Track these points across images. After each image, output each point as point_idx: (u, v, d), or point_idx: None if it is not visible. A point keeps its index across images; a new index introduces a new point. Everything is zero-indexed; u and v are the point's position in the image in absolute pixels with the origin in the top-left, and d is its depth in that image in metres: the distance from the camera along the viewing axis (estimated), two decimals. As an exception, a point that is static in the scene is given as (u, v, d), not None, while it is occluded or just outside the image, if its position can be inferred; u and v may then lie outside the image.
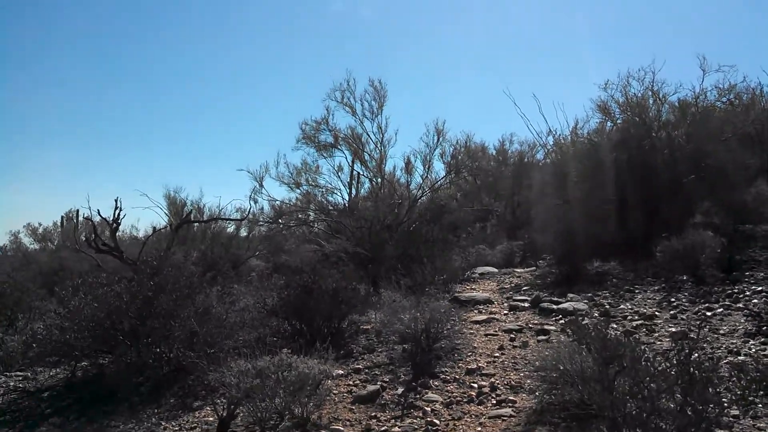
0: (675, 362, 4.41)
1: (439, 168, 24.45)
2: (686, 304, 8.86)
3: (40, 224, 27.98)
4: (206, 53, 58.63)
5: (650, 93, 14.70)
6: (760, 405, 5.11)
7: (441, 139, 20.64)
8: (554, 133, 18.18)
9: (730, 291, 9.00)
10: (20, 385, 8.43)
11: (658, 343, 7.34)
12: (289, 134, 43.08)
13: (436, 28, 52.52)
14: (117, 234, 14.08)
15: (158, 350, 7.65)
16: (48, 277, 16.84)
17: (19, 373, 8.90)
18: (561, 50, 47.23)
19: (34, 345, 8.16)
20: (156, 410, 6.87)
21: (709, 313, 8.21)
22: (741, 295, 8.73)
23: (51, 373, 8.72)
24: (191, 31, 57.86)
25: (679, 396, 4.24)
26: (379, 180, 21.19)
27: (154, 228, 19.51)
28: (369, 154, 20.82)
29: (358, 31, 55.34)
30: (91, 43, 55.91)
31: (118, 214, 13.57)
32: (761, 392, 4.40)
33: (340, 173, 20.69)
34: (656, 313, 8.63)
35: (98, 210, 13.73)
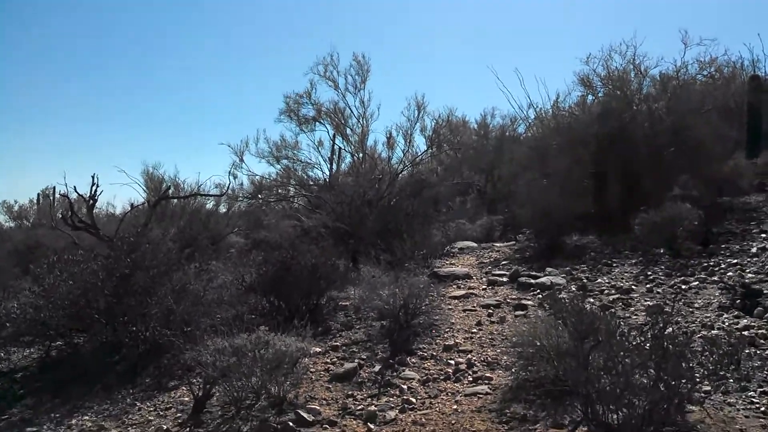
0: (649, 337, 4.43)
1: (420, 142, 24.38)
2: (662, 277, 8.90)
3: (15, 201, 27.53)
4: (186, 27, 57.72)
5: (632, 66, 14.68)
6: (732, 380, 5.16)
7: (422, 113, 20.55)
8: (535, 106, 18.16)
9: (706, 264, 9.04)
10: (-7, 365, 8.35)
11: (634, 317, 7.37)
12: (271, 109, 42.62)
13: (419, 2, 51.97)
14: (94, 211, 13.94)
15: (134, 329, 7.58)
16: (23, 255, 16.57)
17: (-9, 353, 8.79)
18: (543, 24, 46.99)
19: (7, 324, 8.06)
20: (131, 390, 6.83)
21: (684, 287, 8.25)
22: (716, 268, 8.77)
23: (24, 353, 8.62)
24: (171, 5, 56.86)
25: (652, 371, 4.26)
26: (361, 155, 21.09)
27: (132, 204, 19.31)
28: (351, 129, 20.72)
29: (343, 4, 54.65)
30: (67, 19, 54.77)
31: (95, 191, 13.43)
32: (732, 367, 4.42)
33: (320, 148, 20.58)
34: (633, 286, 8.67)
35: (75, 187, 13.59)
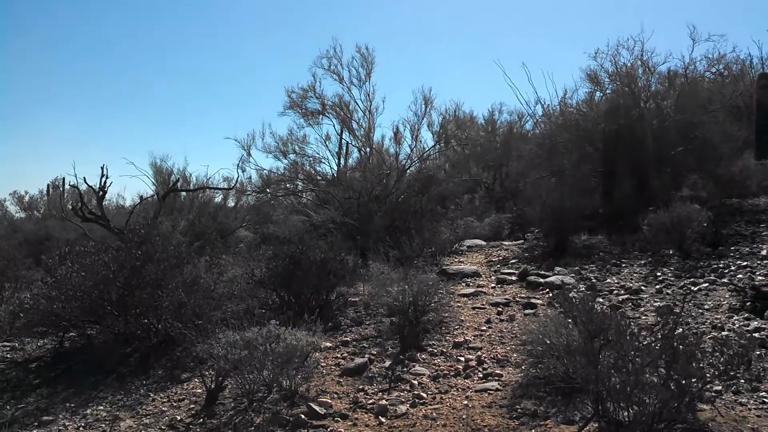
0: (659, 336, 4.46)
1: (427, 137, 24.38)
2: (672, 278, 8.93)
3: (26, 192, 27.68)
4: (193, 20, 57.77)
5: (639, 63, 14.65)
6: (743, 380, 5.20)
7: (429, 107, 20.57)
8: (543, 102, 18.13)
9: (715, 265, 9.06)
10: (8, 355, 8.43)
11: (644, 317, 7.41)
12: (276, 102, 42.59)
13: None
14: (103, 203, 14.01)
15: (146, 321, 7.65)
16: (34, 245, 16.72)
17: (6, 343, 8.87)
18: (551, 18, 46.85)
19: (21, 315, 8.13)
20: (144, 381, 6.89)
21: (694, 288, 8.28)
22: (726, 270, 8.79)
23: (39, 344, 8.72)
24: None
25: (662, 370, 4.29)
26: (368, 149, 21.09)
27: (141, 197, 19.47)
28: (357, 123, 20.71)
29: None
30: (75, 10, 54.92)
31: (105, 182, 13.53)
32: (743, 367, 4.46)
33: (327, 142, 20.58)
34: (642, 287, 8.70)
35: (84, 178, 13.69)
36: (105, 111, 52.15)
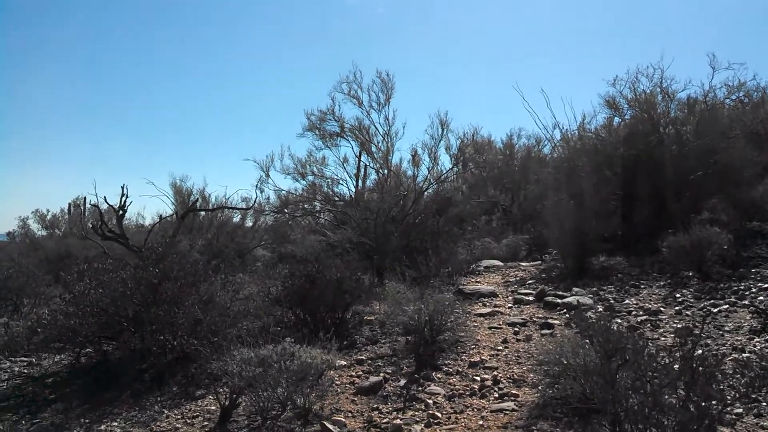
0: (678, 357, 4.39)
1: (445, 160, 24.40)
2: (691, 300, 8.82)
3: (48, 210, 28.07)
4: (214, 43, 58.62)
5: (659, 89, 14.59)
6: (764, 403, 5.09)
7: (445, 130, 20.53)
8: (561, 127, 18.10)
9: (735, 287, 8.94)
10: (24, 370, 8.48)
11: (663, 338, 7.31)
12: (295, 124, 43.13)
13: (445, 22, 52.35)
14: (123, 221, 14.14)
15: (162, 337, 7.66)
16: (54, 263, 16.90)
17: (23, 358, 8.94)
18: (570, 46, 47.09)
19: (39, 330, 8.19)
20: (159, 398, 6.90)
21: (714, 310, 8.16)
22: (747, 292, 8.67)
23: (55, 359, 8.76)
24: (199, 22, 57.85)
25: (681, 391, 4.22)
26: (386, 171, 21.14)
27: (161, 216, 19.62)
28: (376, 146, 20.75)
29: (368, 24, 55.28)
30: (97, 33, 55.93)
31: (125, 201, 13.67)
32: (765, 390, 4.37)
33: (345, 164, 20.64)
34: (661, 308, 8.60)
35: (105, 197, 13.84)
36: (126, 132, 52.99)
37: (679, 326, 7.67)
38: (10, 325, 9.69)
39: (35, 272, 12.92)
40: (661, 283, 9.93)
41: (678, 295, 9.08)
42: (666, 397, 4.26)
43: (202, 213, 21.24)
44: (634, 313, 8.57)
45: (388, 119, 20.18)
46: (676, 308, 8.52)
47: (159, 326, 7.69)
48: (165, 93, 57.05)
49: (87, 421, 6.42)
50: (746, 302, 8.29)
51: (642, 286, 9.91)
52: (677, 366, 4.35)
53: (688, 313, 8.27)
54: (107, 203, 13.85)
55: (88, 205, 17.09)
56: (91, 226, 15.09)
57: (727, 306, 8.23)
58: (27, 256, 16.42)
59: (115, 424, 6.27)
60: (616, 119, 16.03)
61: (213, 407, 6.39)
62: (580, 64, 44.07)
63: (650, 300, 9.14)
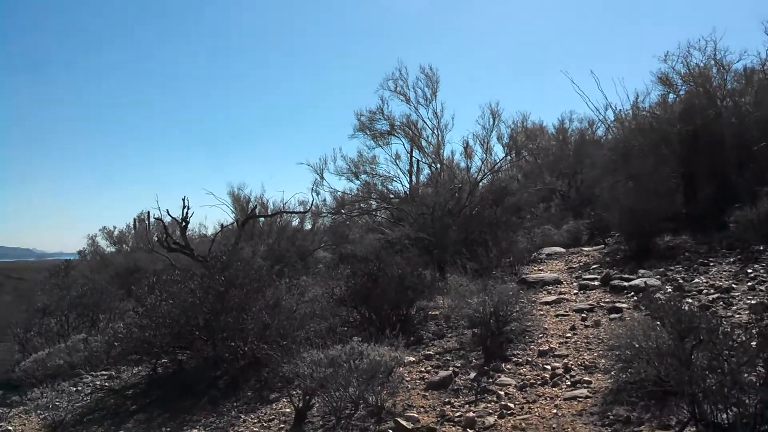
0: (755, 334, 4.27)
1: (498, 150, 24.15)
2: (764, 274, 8.51)
3: (114, 227, 28.92)
4: (264, 53, 59.51)
5: (713, 62, 14.11)
6: None
7: (497, 120, 20.34)
8: (614, 108, 17.68)
9: (811, 258, 8.61)
10: (106, 383, 8.81)
11: (737, 316, 7.09)
12: (346, 126, 43.43)
13: (486, 11, 51.84)
14: (186, 233, 14.50)
15: (233, 344, 7.85)
16: (124, 278, 17.48)
17: (104, 372, 9.29)
18: (618, 24, 46.05)
19: (116, 344, 8.51)
20: (235, 403, 7.07)
21: (789, 283, 7.88)
22: (822, 262, 8.34)
23: (134, 371, 9.07)
24: (249, 31, 58.82)
25: (761, 369, 4.11)
26: (438, 165, 21.07)
27: (222, 225, 20.02)
28: (426, 140, 20.70)
29: (408, 20, 55.16)
30: (155, 45, 57.46)
31: (187, 213, 14.02)
32: None
33: (398, 161, 20.65)
34: (733, 285, 8.34)
35: (167, 210, 14.21)
36: (187, 145, 54.24)
37: (753, 302, 7.43)
38: (88, 341, 10.08)
39: (108, 288, 13.39)
40: (731, 260, 9.61)
41: (750, 271, 8.79)
42: (745, 375, 4.15)
43: (262, 219, 21.59)
44: (705, 291, 8.33)
45: (436, 113, 20.09)
46: (749, 284, 8.25)
47: (229, 333, 7.89)
48: (219, 104, 58.29)
49: (168, 429, 6.64)
50: (823, 273, 7.97)
51: (711, 264, 9.62)
52: (755, 343, 4.24)
53: (762, 288, 8.00)
54: (170, 216, 14.24)
55: (152, 219, 17.62)
56: (156, 239, 15.55)
57: (802, 277, 7.94)
58: (98, 273, 17.01)
59: (195, 431, 6.46)
60: (671, 96, 15.58)
61: (288, 409, 6.51)
62: (630, 42, 43.07)
63: (721, 277, 8.87)
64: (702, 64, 14.11)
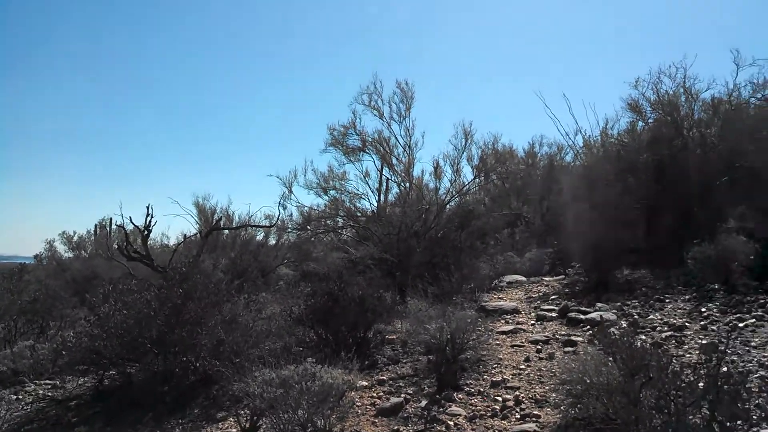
0: (703, 375, 4.32)
1: (467, 172, 24.27)
2: (717, 314, 8.64)
3: (74, 232, 28.39)
4: (238, 60, 59.40)
5: (682, 90, 14.32)
6: (792, 422, 4.97)
7: (469, 141, 20.42)
8: (584, 133, 17.91)
9: (762, 300, 8.74)
10: (49, 393, 8.59)
11: (688, 355, 7.17)
12: (318, 139, 43.37)
13: (464, 29, 52.47)
14: (148, 242, 14.29)
15: (185, 359, 7.71)
16: (80, 284, 17.14)
17: (48, 381, 9.05)
18: (591, 48, 46.93)
19: (63, 353, 8.29)
20: (180, 420, 6.94)
21: (740, 324, 7.99)
22: (774, 305, 8.48)
23: (79, 382, 8.85)
24: (218, 38, 58.64)
25: (706, 411, 4.15)
26: (408, 185, 21.09)
27: (185, 236, 19.80)
28: (397, 158, 20.70)
29: (386, 35, 55.59)
30: (122, 50, 56.96)
31: (150, 221, 13.82)
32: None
33: (367, 179, 20.62)
34: (686, 323, 8.44)
35: (130, 218, 14.02)
36: (151, 152, 53.73)
37: (704, 342, 7.53)
38: (35, 348, 9.83)
39: (61, 294, 13.11)
40: (687, 297, 9.75)
41: (703, 309, 8.90)
42: (690, 417, 4.19)
43: (226, 231, 21.40)
44: (658, 328, 8.41)
45: (408, 130, 20.11)
46: (702, 323, 8.35)
47: (182, 347, 7.75)
48: (189, 110, 57.90)
49: (110, 443, 6.48)
50: (774, 316, 8.10)
51: (667, 300, 9.74)
52: (702, 384, 4.28)
53: (714, 328, 8.10)
54: (133, 224, 14.04)
55: (114, 226, 17.33)
56: (116, 246, 15.28)
57: (753, 320, 8.04)
58: (54, 279, 16.65)
59: (138, 447, 6.31)
60: (640, 123, 15.80)
61: (234, 429, 6.41)
62: (603, 67, 43.79)
63: (675, 315, 8.97)
64: (671, 92, 14.31)
